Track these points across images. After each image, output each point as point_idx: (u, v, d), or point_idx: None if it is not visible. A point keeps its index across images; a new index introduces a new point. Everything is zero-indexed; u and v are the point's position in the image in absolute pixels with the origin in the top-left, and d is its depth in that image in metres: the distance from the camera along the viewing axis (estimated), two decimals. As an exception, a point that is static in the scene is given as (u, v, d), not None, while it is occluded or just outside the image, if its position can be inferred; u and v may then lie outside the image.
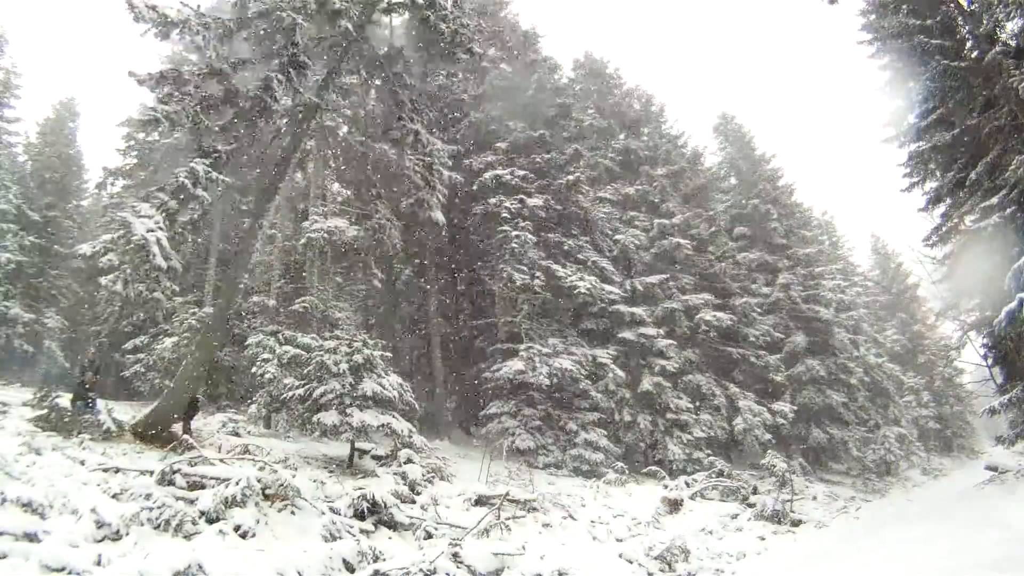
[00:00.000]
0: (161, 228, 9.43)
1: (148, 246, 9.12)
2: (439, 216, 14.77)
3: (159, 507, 6.11)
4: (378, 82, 14.68)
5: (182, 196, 10.01)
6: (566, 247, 19.56)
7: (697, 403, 20.36)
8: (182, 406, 10.70)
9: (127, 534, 5.67)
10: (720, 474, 16.52)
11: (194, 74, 11.06)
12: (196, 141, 10.85)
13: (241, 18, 11.37)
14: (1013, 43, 11.88)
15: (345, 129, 17.06)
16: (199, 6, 10.77)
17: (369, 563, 6.43)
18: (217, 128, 11.21)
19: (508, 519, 9.07)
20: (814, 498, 16.84)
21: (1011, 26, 11.96)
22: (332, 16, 11.69)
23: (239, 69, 11.53)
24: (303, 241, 15.86)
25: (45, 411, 9.50)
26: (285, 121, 13.07)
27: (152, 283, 9.49)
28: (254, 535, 6.40)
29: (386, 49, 14.06)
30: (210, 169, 10.38)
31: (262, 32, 11.62)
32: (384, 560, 6.65)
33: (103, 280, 9.47)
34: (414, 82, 14.72)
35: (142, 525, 5.87)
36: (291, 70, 11.39)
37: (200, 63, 24.49)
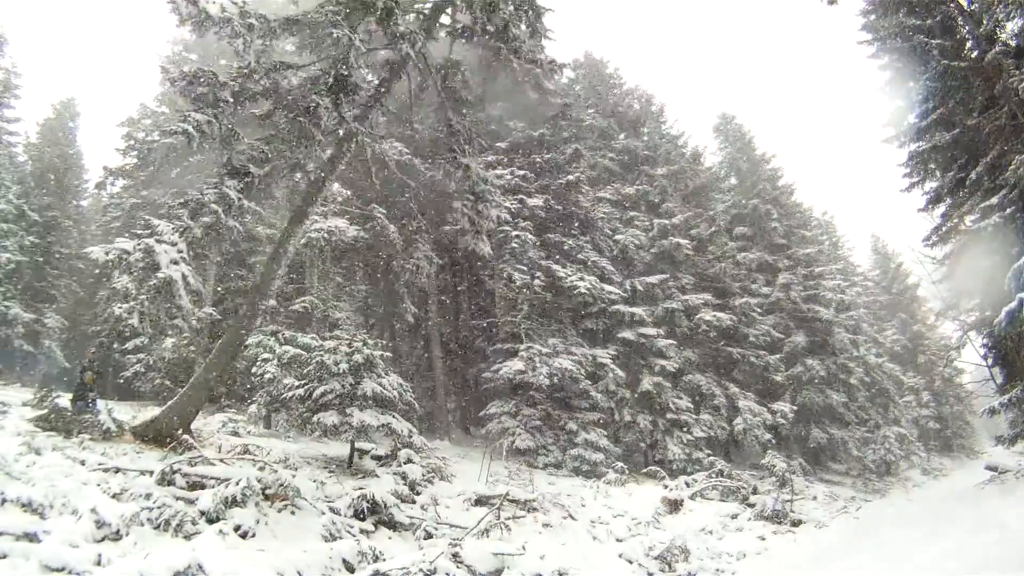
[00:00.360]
0: (185, 260, 8.56)
1: (174, 286, 8.29)
2: (486, 250, 13.85)
3: (159, 507, 6.11)
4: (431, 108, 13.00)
5: (209, 224, 9.10)
6: (566, 247, 19.57)
7: (697, 403, 20.37)
8: (190, 414, 10.50)
9: (127, 534, 5.67)
10: (720, 474, 16.52)
11: (232, 78, 9.78)
12: (227, 159, 9.77)
13: (288, 18, 10.10)
14: (1013, 43, 11.88)
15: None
16: (244, 2, 9.54)
17: (369, 563, 6.43)
18: (251, 143, 10.13)
19: (508, 519, 9.06)
20: (814, 498, 16.84)
21: (1011, 26, 11.96)
22: (393, 39, 10.39)
23: (280, 70, 10.32)
24: (303, 241, 15.86)
25: (45, 411, 9.50)
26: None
27: (172, 311, 8.78)
28: (254, 535, 6.40)
29: (442, 60, 12.44)
30: (242, 195, 9.41)
31: (310, 40, 10.40)
32: (384, 560, 6.64)
33: (116, 310, 8.81)
34: (470, 96, 13.07)
35: (142, 525, 5.87)
36: (340, 95, 10.17)
37: (200, 62, 24.50)
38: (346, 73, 10.18)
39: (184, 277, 8.50)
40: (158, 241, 8.52)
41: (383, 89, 11.55)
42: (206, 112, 9.35)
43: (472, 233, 12.97)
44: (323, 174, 11.22)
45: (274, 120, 10.52)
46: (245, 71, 9.79)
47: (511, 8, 11.62)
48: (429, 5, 12.09)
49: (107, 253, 8.35)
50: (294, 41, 10.88)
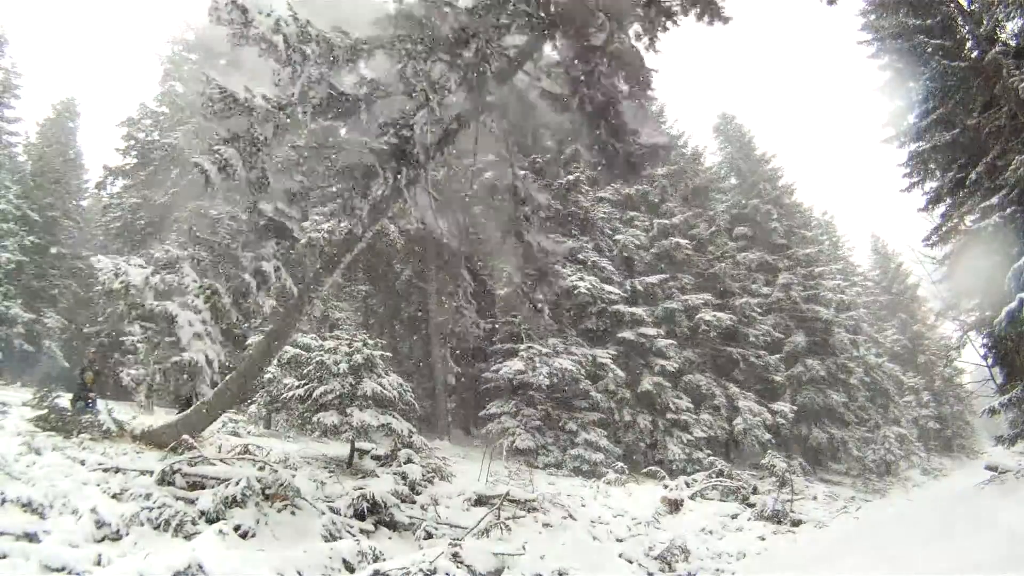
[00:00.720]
0: (211, 335, 7.39)
1: (199, 373, 7.25)
2: (546, 323, 13.05)
3: (159, 507, 6.11)
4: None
5: (239, 296, 7.94)
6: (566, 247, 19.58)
7: (697, 403, 20.38)
8: (197, 430, 10.25)
9: (127, 534, 5.67)
10: (720, 474, 16.52)
11: (271, 109, 7.79)
12: (263, 217, 8.17)
13: (356, 47, 8.02)
14: (1013, 43, 11.87)
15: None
16: (307, 21, 7.60)
17: (369, 563, 6.42)
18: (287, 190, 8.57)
19: (508, 519, 9.06)
20: (814, 498, 16.84)
21: (1011, 26, 11.96)
22: (476, 103, 8.54)
23: (333, 105, 8.36)
24: (303, 241, 15.84)
25: (45, 411, 9.47)
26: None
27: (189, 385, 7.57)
28: (254, 535, 6.40)
29: (515, 104, 9.85)
30: (280, 265, 8.20)
31: (371, 84, 8.50)
32: (384, 560, 6.64)
33: (124, 377, 7.53)
34: (540, 145, 10.61)
35: (142, 525, 5.86)
36: (402, 164, 8.38)
37: (200, 63, 24.40)
38: (409, 135, 8.25)
39: (211, 360, 7.15)
40: (181, 304, 7.23)
41: (444, 145, 9.54)
42: (239, 146, 7.69)
43: (532, 313, 11.04)
44: (360, 230, 9.75)
45: (315, 168, 9.24)
46: (289, 103, 7.95)
47: (619, 74, 9.11)
48: (515, 46, 9.51)
49: (116, 275, 7.22)
50: (354, 74, 8.80)
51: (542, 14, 8.38)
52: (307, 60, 7.67)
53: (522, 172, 9.79)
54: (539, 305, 10.60)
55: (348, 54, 8.00)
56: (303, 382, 11.02)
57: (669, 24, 8.74)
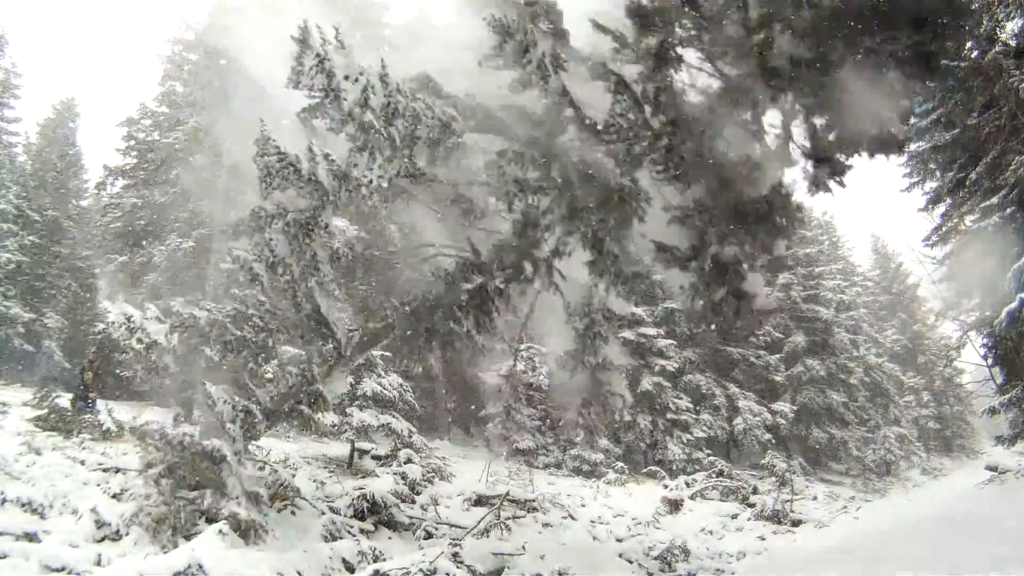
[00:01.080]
0: (243, 462, 6.24)
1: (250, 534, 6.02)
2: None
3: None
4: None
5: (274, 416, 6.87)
6: (566, 247, 19.56)
7: (697, 403, 20.39)
8: None
9: (127, 534, 5.67)
10: (720, 474, 16.53)
11: (338, 193, 6.42)
12: (307, 312, 6.88)
13: (446, 126, 6.28)
14: (1013, 43, 11.88)
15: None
16: (396, 87, 5.98)
17: (369, 563, 6.42)
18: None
19: (508, 519, 9.06)
20: (814, 498, 16.84)
21: (1011, 26, 11.96)
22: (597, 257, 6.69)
23: (406, 182, 6.73)
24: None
25: (45, 411, 9.49)
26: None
27: None
28: (254, 535, 6.39)
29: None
30: (330, 377, 7.17)
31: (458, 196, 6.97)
32: (384, 560, 6.64)
33: (135, 484, 6.32)
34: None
35: (142, 525, 5.86)
36: (486, 315, 6.88)
37: (201, 63, 24.28)
38: (502, 286, 6.77)
39: (249, 500, 5.82)
40: (216, 430, 6.03)
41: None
42: (290, 232, 6.46)
43: (589, 437, 9.92)
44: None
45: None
46: (352, 178, 6.49)
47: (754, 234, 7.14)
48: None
49: (131, 332, 6.28)
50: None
51: (690, 170, 6.68)
52: (390, 150, 6.18)
53: (609, 293, 7.80)
54: (595, 433, 9.17)
55: (435, 133, 6.30)
56: (303, 382, 11.00)
57: (833, 184, 6.96)
